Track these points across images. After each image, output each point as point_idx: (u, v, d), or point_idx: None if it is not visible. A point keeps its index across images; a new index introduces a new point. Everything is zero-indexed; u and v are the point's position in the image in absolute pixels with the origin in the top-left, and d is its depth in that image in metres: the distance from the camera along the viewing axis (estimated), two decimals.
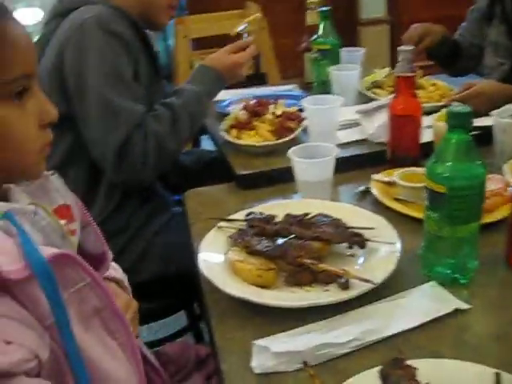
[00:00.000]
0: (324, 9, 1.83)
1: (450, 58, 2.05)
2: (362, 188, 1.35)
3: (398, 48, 1.35)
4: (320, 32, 1.82)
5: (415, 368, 0.74)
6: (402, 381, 0.72)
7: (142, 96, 1.44)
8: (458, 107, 0.92)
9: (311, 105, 1.44)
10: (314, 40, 1.84)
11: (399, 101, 1.36)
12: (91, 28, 1.37)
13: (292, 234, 1.06)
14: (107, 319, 0.77)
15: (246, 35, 1.71)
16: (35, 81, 0.77)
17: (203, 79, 1.53)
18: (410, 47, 1.34)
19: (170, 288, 1.51)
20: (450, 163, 0.92)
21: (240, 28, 1.69)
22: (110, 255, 0.95)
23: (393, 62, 1.88)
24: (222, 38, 3.09)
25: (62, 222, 0.83)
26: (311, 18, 1.92)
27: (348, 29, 3.91)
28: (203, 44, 3.28)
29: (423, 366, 0.74)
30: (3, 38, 0.71)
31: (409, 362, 0.74)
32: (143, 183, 1.47)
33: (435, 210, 0.95)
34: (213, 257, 1.06)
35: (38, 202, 0.81)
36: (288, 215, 1.13)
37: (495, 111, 1.42)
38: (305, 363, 0.80)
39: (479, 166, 0.93)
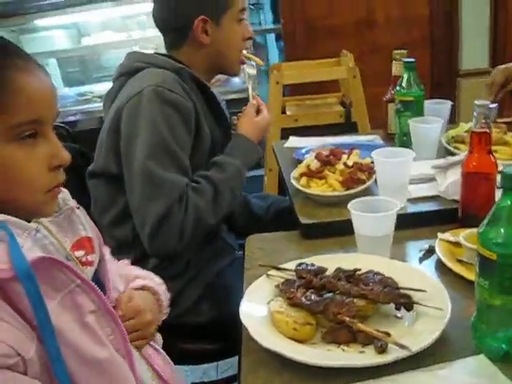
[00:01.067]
0: (408, 60, 1.79)
1: None
2: (426, 246, 1.29)
3: (475, 102, 1.30)
4: (403, 83, 1.78)
5: None
6: None
7: (188, 167, 1.44)
8: None
9: (382, 157, 1.41)
10: (397, 91, 1.81)
11: (473, 157, 1.30)
12: (148, 97, 1.40)
13: (338, 289, 1.03)
14: (102, 321, 0.84)
15: (249, 88, 1.74)
16: (48, 125, 0.84)
17: (243, 151, 1.53)
18: (486, 102, 1.28)
19: (228, 331, 1.50)
20: (503, 228, 0.86)
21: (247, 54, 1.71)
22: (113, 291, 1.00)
23: None
24: (315, 86, 3.15)
25: (81, 252, 0.91)
26: (397, 69, 1.89)
27: (447, 79, 3.82)
28: (298, 90, 3.32)
29: None
30: (9, 87, 0.78)
31: None
32: (175, 255, 1.44)
33: (486, 278, 0.89)
34: (255, 304, 1.05)
35: (64, 233, 0.90)
36: (338, 269, 1.10)
37: None
38: None
39: None
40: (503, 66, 1.93)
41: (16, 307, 0.74)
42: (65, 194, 0.94)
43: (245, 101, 3.73)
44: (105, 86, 3.79)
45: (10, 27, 3.56)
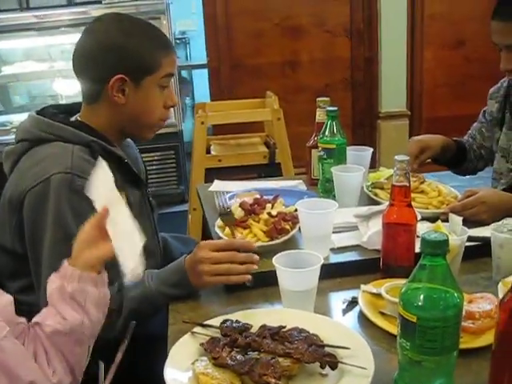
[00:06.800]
0: (331, 109, 1.84)
1: (454, 161, 2.06)
2: (349, 298, 1.31)
3: (395, 158, 1.34)
4: (326, 131, 1.82)
5: None
6: None
7: None
8: (433, 234, 0.90)
9: (305, 208, 1.43)
10: (320, 139, 1.84)
11: (393, 209, 1.34)
12: (56, 186, 1.34)
13: (263, 347, 1.03)
14: None
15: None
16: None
17: (169, 280, 1.36)
18: (406, 157, 1.33)
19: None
20: (422, 292, 0.89)
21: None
22: None
23: None
24: (239, 125, 3.18)
25: None
26: (320, 115, 1.94)
27: (368, 121, 3.95)
28: (223, 128, 3.35)
29: None
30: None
31: None
32: None
33: (407, 339, 0.91)
34: (180, 365, 1.03)
35: None
36: (263, 327, 1.10)
37: (493, 224, 1.39)
38: None
39: (455, 295, 0.89)
40: (418, 137, 2.01)
41: None
42: None
43: (172, 135, 3.71)
44: (25, 117, 3.71)
45: None
